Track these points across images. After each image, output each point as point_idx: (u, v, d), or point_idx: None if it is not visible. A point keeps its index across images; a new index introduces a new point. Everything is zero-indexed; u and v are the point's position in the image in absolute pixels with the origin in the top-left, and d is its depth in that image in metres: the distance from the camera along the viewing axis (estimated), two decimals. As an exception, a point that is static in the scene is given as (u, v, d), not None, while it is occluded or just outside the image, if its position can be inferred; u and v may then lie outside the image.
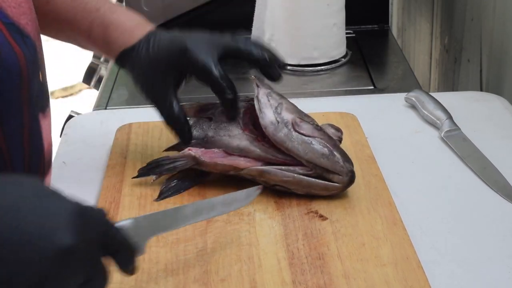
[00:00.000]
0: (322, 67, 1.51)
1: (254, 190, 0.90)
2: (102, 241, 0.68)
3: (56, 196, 0.66)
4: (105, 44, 1.03)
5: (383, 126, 1.19)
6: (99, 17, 1.03)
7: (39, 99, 0.92)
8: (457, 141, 1.12)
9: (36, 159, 0.92)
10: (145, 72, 1.00)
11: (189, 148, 0.98)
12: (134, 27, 1.02)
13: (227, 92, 0.97)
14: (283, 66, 1.00)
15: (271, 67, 0.98)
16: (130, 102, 1.41)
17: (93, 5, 1.03)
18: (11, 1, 0.85)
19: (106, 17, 1.02)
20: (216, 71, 0.96)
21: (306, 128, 0.95)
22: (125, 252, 0.72)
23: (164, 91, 0.99)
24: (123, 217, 0.94)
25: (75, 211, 0.65)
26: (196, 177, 1.00)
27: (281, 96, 0.99)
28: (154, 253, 0.88)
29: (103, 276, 0.68)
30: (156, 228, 0.79)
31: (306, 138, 0.95)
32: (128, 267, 0.73)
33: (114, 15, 1.03)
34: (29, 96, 0.88)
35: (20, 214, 0.62)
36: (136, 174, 1.02)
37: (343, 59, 1.54)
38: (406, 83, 1.45)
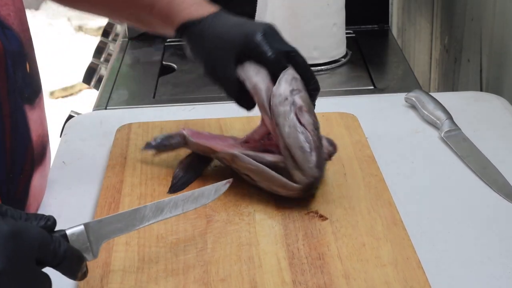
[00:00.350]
0: (322, 67, 1.51)
1: (222, 185, 0.88)
2: (39, 256, 0.71)
3: None
4: (167, 17, 1.03)
5: (383, 126, 1.19)
6: None
7: (25, 90, 0.91)
8: (457, 141, 1.12)
9: (21, 152, 0.92)
10: (209, 47, 1.00)
11: (183, 127, 1.02)
12: (200, 2, 1.02)
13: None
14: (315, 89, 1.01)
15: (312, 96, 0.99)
16: (130, 102, 1.41)
17: None
18: None
19: None
20: (280, 64, 0.96)
21: (306, 120, 0.95)
22: (68, 262, 0.74)
23: (226, 68, 0.99)
24: (123, 217, 0.94)
25: (7, 234, 0.69)
26: (197, 168, 1.03)
27: (305, 89, 0.98)
28: (154, 253, 0.88)
29: (43, 285, 0.73)
30: (110, 232, 0.80)
31: (299, 126, 0.94)
32: (74, 275, 0.76)
33: None
34: (10, 88, 0.88)
35: None
36: (136, 174, 1.02)
37: (343, 59, 1.54)
38: (406, 83, 1.45)
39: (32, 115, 0.93)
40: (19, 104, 0.90)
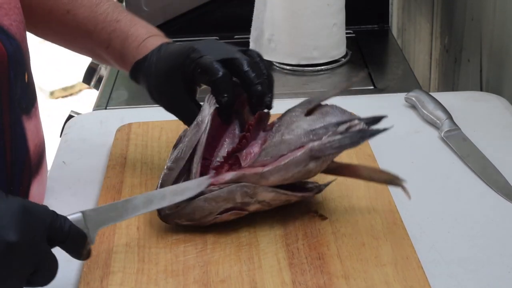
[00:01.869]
0: (322, 67, 1.51)
1: (205, 179, 0.89)
2: (48, 233, 0.75)
3: (1, 197, 0.73)
4: (122, 56, 1.02)
5: (383, 126, 1.19)
6: (119, 28, 1.01)
7: (22, 100, 0.91)
8: (457, 141, 1.12)
9: (20, 164, 0.91)
10: (156, 80, 0.98)
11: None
12: (150, 39, 1.00)
13: (222, 94, 0.92)
14: (268, 105, 0.94)
15: (258, 104, 0.93)
16: (130, 102, 1.41)
17: (114, 17, 1.02)
18: None
19: (126, 29, 1.01)
20: (217, 70, 0.92)
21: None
22: (73, 240, 0.78)
23: (178, 97, 0.96)
24: (123, 217, 0.94)
25: (19, 210, 0.72)
26: None
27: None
28: (154, 254, 0.88)
29: (51, 265, 0.76)
30: (105, 219, 0.84)
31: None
32: (79, 252, 0.80)
33: (133, 28, 1.01)
34: (10, 99, 0.87)
35: None
36: (136, 175, 1.02)
37: (343, 59, 1.54)
38: (406, 83, 1.45)
39: (29, 125, 0.93)
40: (18, 114, 0.90)
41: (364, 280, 0.82)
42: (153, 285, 0.83)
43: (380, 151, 1.08)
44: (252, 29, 1.53)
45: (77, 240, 0.79)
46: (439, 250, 0.90)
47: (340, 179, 1.01)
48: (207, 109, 0.91)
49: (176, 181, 0.90)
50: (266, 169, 0.88)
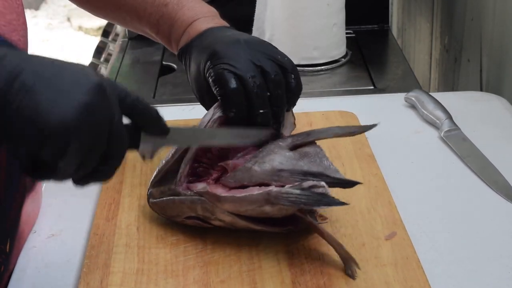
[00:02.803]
0: (322, 67, 1.51)
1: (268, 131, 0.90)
2: (122, 102, 0.72)
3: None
4: (170, 42, 1.01)
5: (383, 126, 1.19)
6: (167, 13, 1.00)
7: None
8: (456, 141, 1.12)
9: (14, 182, 0.90)
10: (189, 72, 0.97)
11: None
12: (195, 24, 0.98)
13: (229, 109, 0.90)
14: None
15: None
16: (130, 102, 1.40)
17: (161, 0, 1.00)
18: (1, 19, 0.84)
19: (173, 14, 0.99)
20: (226, 83, 0.89)
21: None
22: (148, 115, 0.76)
23: (205, 93, 0.95)
24: (123, 218, 0.94)
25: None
26: None
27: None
28: (154, 255, 0.88)
29: (122, 143, 0.72)
30: (169, 141, 0.81)
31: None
32: (155, 127, 0.77)
33: (180, 11, 0.99)
34: None
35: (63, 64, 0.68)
36: (135, 175, 1.02)
37: (343, 59, 1.54)
38: (406, 83, 1.45)
39: None
40: None
41: (364, 280, 0.82)
42: (153, 285, 0.83)
43: (380, 151, 1.08)
44: (254, 29, 1.53)
45: (151, 116, 0.76)
46: (439, 250, 0.90)
47: (340, 179, 1.01)
48: (210, 115, 0.91)
49: (164, 174, 0.90)
50: (223, 194, 0.86)
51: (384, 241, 0.88)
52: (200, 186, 0.88)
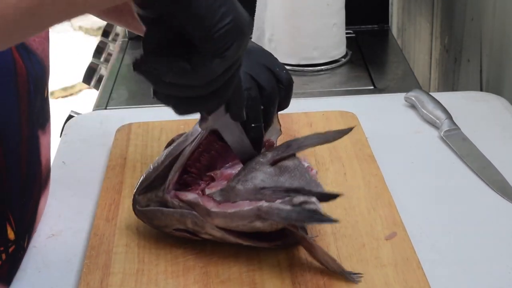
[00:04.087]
0: (322, 67, 1.51)
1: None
2: None
3: None
4: None
5: (383, 126, 1.19)
6: None
7: (40, 115, 0.91)
8: (456, 141, 1.12)
9: (32, 178, 0.91)
10: None
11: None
12: None
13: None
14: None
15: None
16: (130, 102, 1.41)
17: None
18: None
19: None
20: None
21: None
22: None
23: None
24: (123, 219, 0.94)
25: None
26: None
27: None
28: (154, 255, 0.88)
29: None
30: None
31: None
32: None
33: None
34: (29, 112, 0.87)
35: None
36: (136, 175, 1.02)
37: (343, 59, 1.54)
38: (406, 83, 1.45)
39: (43, 141, 0.93)
40: (35, 129, 0.90)
41: (364, 281, 0.82)
42: (153, 286, 0.83)
43: (380, 151, 1.08)
44: (254, 29, 1.53)
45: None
46: (439, 250, 0.90)
47: (341, 179, 1.01)
48: None
49: (152, 181, 0.88)
50: (213, 209, 0.85)
51: (384, 241, 0.88)
52: (190, 196, 0.86)
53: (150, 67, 0.69)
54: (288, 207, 0.82)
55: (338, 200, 0.96)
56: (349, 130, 0.91)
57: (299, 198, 0.82)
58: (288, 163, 0.88)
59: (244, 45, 0.70)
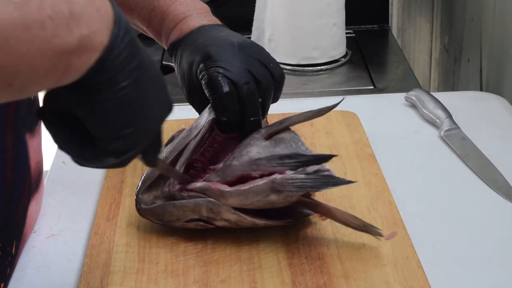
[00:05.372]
0: (322, 67, 1.51)
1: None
2: None
3: None
4: (161, 36, 1.00)
5: (383, 126, 1.19)
6: (158, 7, 0.99)
7: (27, 118, 0.89)
8: (456, 140, 1.12)
9: (20, 183, 0.90)
10: (182, 68, 0.96)
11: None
12: (187, 20, 0.98)
13: (221, 114, 0.90)
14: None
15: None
16: (130, 102, 1.40)
17: None
18: None
19: (164, 8, 0.99)
20: (219, 87, 0.89)
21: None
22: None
23: (196, 93, 0.94)
24: (123, 218, 0.94)
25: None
26: None
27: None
28: (154, 254, 0.88)
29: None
30: None
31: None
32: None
33: (172, 5, 0.99)
34: (15, 117, 0.86)
35: None
36: (136, 174, 1.02)
37: (343, 59, 1.54)
38: (406, 83, 1.45)
39: (32, 143, 0.92)
40: (22, 133, 0.89)
41: (364, 280, 0.82)
42: (153, 285, 0.83)
43: (380, 150, 1.08)
44: (254, 29, 1.53)
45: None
46: (439, 250, 0.90)
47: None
48: (205, 117, 0.90)
49: (156, 180, 0.89)
50: (227, 189, 0.86)
51: (384, 241, 0.88)
52: (199, 184, 0.87)
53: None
54: (302, 176, 0.83)
55: (338, 200, 0.96)
56: (338, 103, 0.93)
57: (313, 167, 0.84)
58: (284, 135, 0.90)
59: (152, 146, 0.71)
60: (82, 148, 0.66)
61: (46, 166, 1.02)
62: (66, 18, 0.55)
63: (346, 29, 1.55)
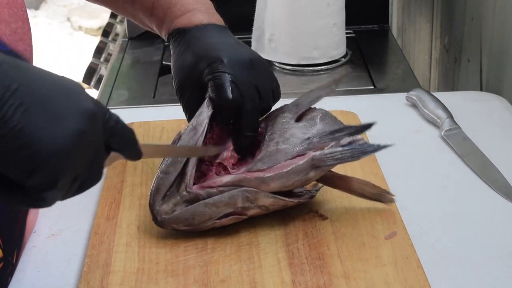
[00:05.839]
0: (322, 67, 1.51)
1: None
2: (105, 124, 0.70)
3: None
4: (163, 24, 1.00)
5: (383, 126, 1.18)
6: None
7: None
8: (457, 140, 1.12)
9: None
10: (178, 61, 0.96)
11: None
12: (196, 12, 0.98)
13: (225, 119, 0.92)
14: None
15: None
16: (130, 102, 1.41)
17: None
18: (6, 28, 0.83)
19: None
20: (225, 94, 0.90)
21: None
22: (127, 138, 0.75)
23: (191, 93, 0.95)
24: (124, 218, 0.94)
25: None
26: None
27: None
28: (154, 254, 0.88)
29: (97, 176, 0.69)
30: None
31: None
32: (129, 151, 0.76)
33: None
34: None
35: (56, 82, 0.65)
36: (136, 174, 1.02)
37: (343, 59, 1.54)
38: (406, 83, 1.45)
39: None
40: None
41: (364, 280, 0.82)
42: (153, 285, 0.83)
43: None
44: (254, 29, 1.53)
45: (129, 138, 0.75)
46: (439, 250, 0.90)
47: (340, 179, 1.01)
48: (205, 113, 0.91)
49: (172, 184, 0.89)
50: (267, 174, 0.87)
51: (384, 240, 0.88)
52: (228, 178, 0.88)
53: None
54: (339, 149, 0.88)
55: (338, 199, 0.96)
56: (345, 75, 0.97)
57: (346, 139, 0.89)
58: (313, 113, 0.94)
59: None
60: (13, 195, 0.64)
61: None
62: None
63: (346, 29, 1.55)
